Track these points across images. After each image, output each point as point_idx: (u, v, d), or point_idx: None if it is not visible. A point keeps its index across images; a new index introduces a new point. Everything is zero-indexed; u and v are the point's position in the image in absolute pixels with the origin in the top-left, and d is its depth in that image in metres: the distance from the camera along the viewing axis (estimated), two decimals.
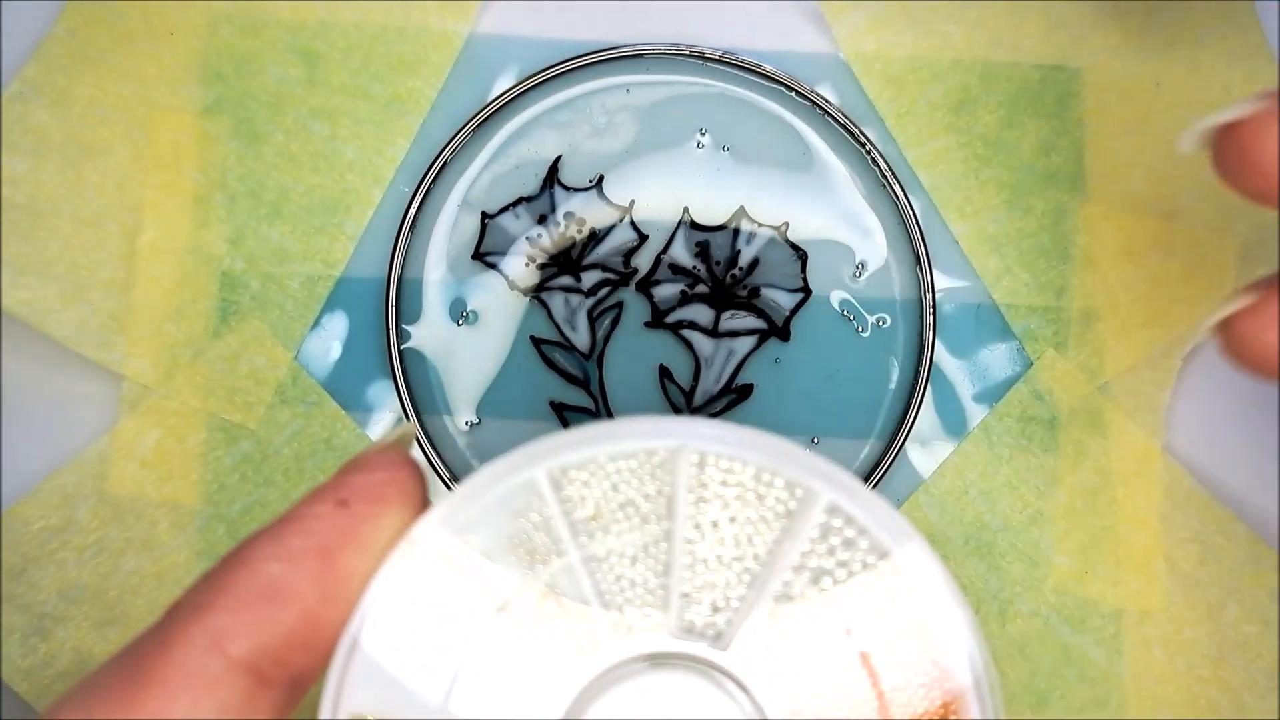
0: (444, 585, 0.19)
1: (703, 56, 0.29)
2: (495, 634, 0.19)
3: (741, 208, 0.29)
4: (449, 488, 0.28)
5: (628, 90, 0.29)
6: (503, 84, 0.29)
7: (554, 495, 0.20)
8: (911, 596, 0.19)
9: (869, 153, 0.28)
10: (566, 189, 0.29)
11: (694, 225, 0.29)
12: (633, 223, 0.29)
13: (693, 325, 0.28)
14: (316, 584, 0.18)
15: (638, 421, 0.20)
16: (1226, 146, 0.20)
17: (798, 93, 0.29)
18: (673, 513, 0.20)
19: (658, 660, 0.20)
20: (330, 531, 0.18)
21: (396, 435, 0.20)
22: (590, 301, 0.29)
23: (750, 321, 0.28)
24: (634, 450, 0.20)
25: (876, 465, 0.28)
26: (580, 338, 0.29)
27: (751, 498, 0.19)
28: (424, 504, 0.20)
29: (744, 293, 0.28)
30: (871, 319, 0.28)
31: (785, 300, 0.28)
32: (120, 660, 0.18)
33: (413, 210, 0.28)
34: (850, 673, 0.19)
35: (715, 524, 0.19)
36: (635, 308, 0.29)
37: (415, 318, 0.29)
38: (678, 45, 0.29)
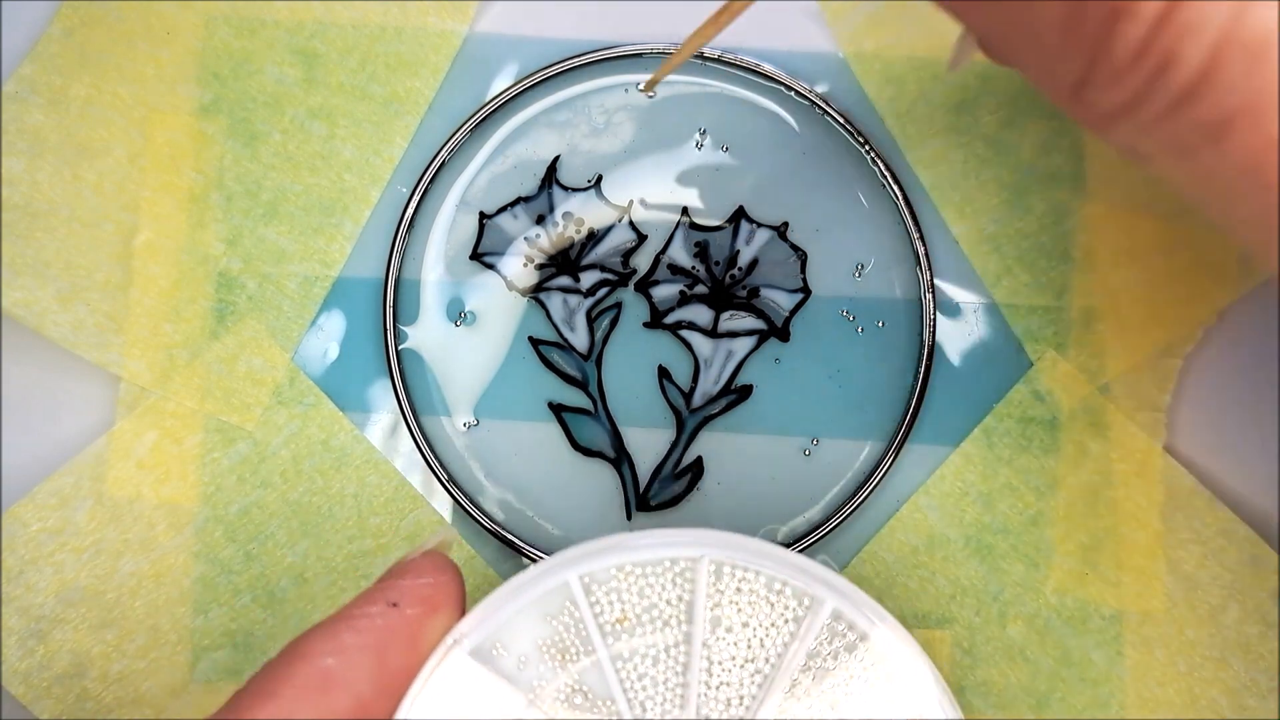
0: (481, 683, 0.21)
1: (702, 56, 0.29)
2: None
3: (741, 208, 0.29)
4: (447, 489, 0.28)
5: (627, 90, 0.29)
6: (501, 84, 0.29)
7: (585, 599, 0.21)
8: (911, 701, 0.21)
9: (869, 153, 0.28)
10: (565, 189, 0.29)
11: (693, 225, 0.29)
12: (631, 223, 0.29)
13: (692, 325, 0.28)
14: (369, 678, 0.20)
15: (662, 532, 0.21)
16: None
17: (798, 93, 0.28)
18: (692, 617, 0.21)
19: None
20: (382, 630, 0.20)
21: (438, 541, 0.22)
22: (589, 302, 0.28)
23: (750, 322, 0.28)
24: (659, 559, 0.21)
25: (876, 466, 0.28)
26: (579, 338, 0.28)
27: (764, 604, 0.21)
28: (464, 606, 0.21)
29: (743, 293, 0.28)
30: (872, 319, 0.28)
31: (785, 300, 0.28)
32: None
33: (410, 210, 0.28)
34: None
35: (730, 628, 0.21)
36: (634, 308, 0.28)
37: (413, 318, 0.29)
38: (677, 45, 0.29)
